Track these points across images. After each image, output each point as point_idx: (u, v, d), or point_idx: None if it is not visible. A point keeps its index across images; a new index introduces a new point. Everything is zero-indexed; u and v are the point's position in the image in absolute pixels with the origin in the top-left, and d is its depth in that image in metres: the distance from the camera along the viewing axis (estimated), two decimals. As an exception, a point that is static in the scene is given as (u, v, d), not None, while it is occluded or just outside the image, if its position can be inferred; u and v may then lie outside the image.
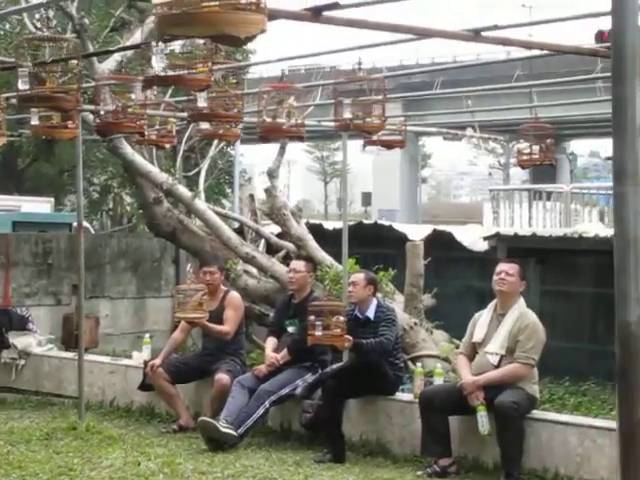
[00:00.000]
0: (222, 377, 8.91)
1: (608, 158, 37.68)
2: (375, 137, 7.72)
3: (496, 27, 6.51)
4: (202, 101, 6.56)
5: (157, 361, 9.37)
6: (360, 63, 7.15)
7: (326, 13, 4.44)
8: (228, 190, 27.65)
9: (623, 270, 2.58)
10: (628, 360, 2.64)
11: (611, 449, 6.74)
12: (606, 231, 11.79)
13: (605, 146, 55.74)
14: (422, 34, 6.78)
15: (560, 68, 16.43)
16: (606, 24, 7.90)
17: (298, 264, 9.23)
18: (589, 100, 9.96)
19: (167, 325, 14.20)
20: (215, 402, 8.91)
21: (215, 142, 14.42)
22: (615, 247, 2.65)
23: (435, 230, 13.67)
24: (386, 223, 15.80)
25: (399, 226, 14.88)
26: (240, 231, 13.23)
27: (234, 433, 8.37)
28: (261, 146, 29.44)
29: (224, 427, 8.35)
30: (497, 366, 7.64)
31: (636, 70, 2.71)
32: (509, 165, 42.22)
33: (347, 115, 6.65)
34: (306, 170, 71.92)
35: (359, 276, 8.68)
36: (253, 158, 43.51)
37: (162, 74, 5.60)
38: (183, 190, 12.75)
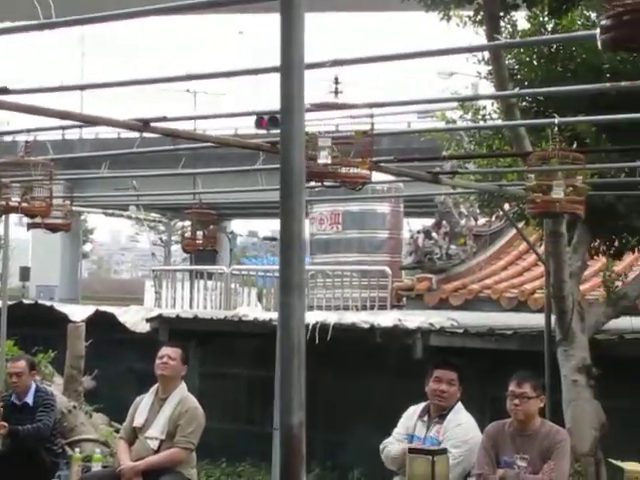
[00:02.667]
0: None
1: (266, 238, 38.83)
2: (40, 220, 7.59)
3: (165, 119, 6.68)
4: None
5: None
6: (28, 143, 7.04)
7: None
8: None
9: (287, 376, 2.73)
10: (291, 459, 2.78)
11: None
12: (264, 315, 12.18)
13: (263, 226, 57.51)
14: (92, 122, 6.82)
15: (225, 155, 16.89)
16: (268, 108, 8.30)
17: None
18: (251, 189, 10.33)
19: None
20: None
21: None
22: (280, 354, 2.79)
23: (97, 311, 13.55)
24: (47, 303, 15.46)
25: (60, 306, 14.63)
26: None
27: None
28: None
29: None
30: (157, 451, 7.65)
31: (303, 186, 2.89)
32: (171, 242, 42.61)
33: (15, 198, 6.53)
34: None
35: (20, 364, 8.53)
36: None
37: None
38: None
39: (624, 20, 2.38)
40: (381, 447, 7.22)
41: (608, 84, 6.41)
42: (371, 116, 5.24)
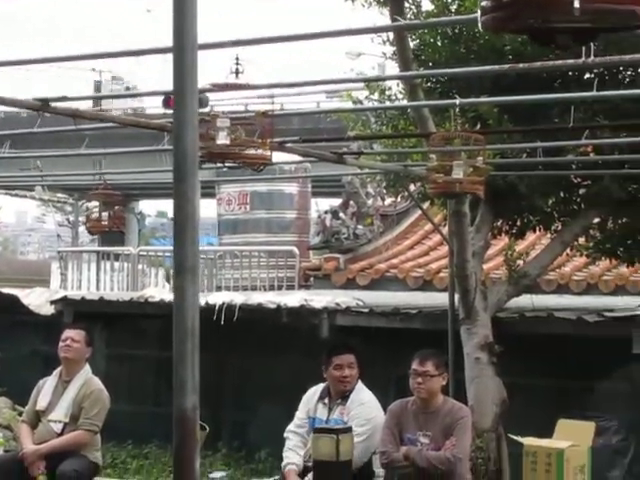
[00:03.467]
0: None
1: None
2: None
3: (65, 98, 6.58)
4: None
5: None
6: None
7: None
8: None
9: (181, 359, 2.72)
10: (184, 442, 2.78)
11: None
12: (171, 296, 12.09)
13: (172, 207, 56.90)
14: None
15: (134, 135, 16.69)
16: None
17: None
18: (158, 169, 10.25)
19: None
20: None
21: None
22: (174, 337, 2.79)
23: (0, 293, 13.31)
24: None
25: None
26: None
27: None
28: None
29: None
30: (60, 434, 7.57)
31: (196, 168, 2.88)
32: (78, 223, 42.03)
33: None
34: None
35: None
36: None
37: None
38: None
39: (504, 2, 2.42)
40: (285, 435, 7.29)
41: (507, 66, 6.49)
42: (272, 97, 5.23)
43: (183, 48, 2.77)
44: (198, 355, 2.79)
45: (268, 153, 5.25)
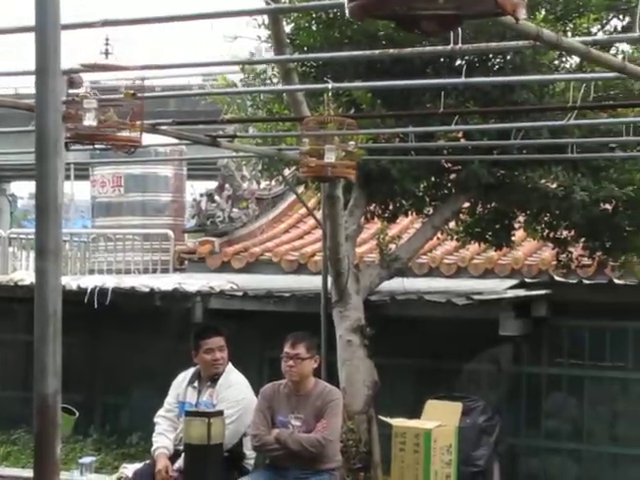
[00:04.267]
0: None
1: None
2: None
3: None
4: None
5: None
6: None
7: None
8: None
9: (43, 343, 2.68)
10: (45, 428, 2.73)
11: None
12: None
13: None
14: None
15: (6, 115, 16.26)
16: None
17: None
18: (30, 150, 10.01)
19: None
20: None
21: None
22: (35, 320, 2.74)
23: None
24: None
25: None
26: None
27: None
28: None
29: None
30: None
31: (58, 148, 2.83)
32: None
33: None
34: None
35: None
36: None
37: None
38: None
39: (372, -12, 2.43)
40: (154, 420, 7.26)
41: (378, 51, 6.55)
42: (142, 79, 5.17)
43: (44, 27, 2.71)
44: (60, 339, 2.74)
45: (138, 135, 5.19)
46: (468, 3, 2.57)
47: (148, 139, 7.28)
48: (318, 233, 12.89)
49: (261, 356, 10.56)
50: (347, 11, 2.47)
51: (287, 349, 6.89)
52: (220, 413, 6.75)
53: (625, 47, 8.84)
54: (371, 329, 8.97)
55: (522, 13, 2.55)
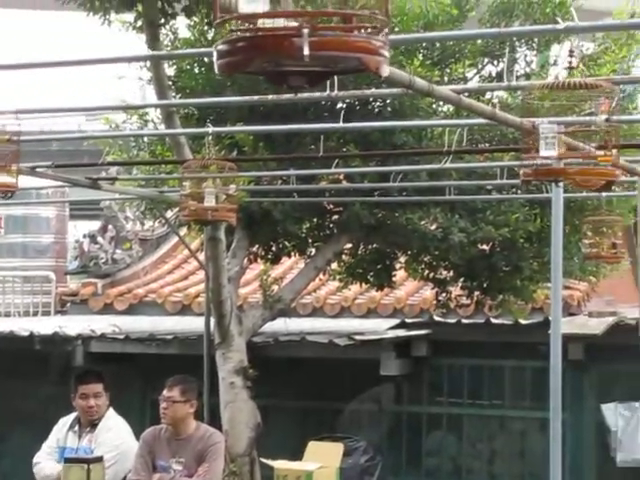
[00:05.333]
0: None
1: None
2: None
3: None
4: None
5: None
6: None
7: None
8: None
9: None
10: None
11: None
12: None
13: None
14: None
15: None
16: None
17: None
18: None
19: None
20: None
21: None
22: None
23: None
24: None
25: None
26: None
27: None
28: None
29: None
30: None
31: None
32: None
33: None
34: None
35: None
36: None
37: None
38: None
39: (237, 46, 2.49)
40: (34, 462, 7.10)
41: (256, 97, 6.62)
42: (18, 124, 5.13)
43: None
44: None
45: (13, 180, 5.14)
46: (333, 60, 2.65)
47: (28, 181, 7.20)
48: (202, 274, 12.82)
49: (143, 399, 10.47)
50: (216, 67, 2.53)
51: (164, 392, 6.86)
52: (100, 459, 6.65)
53: (501, 93, 9.14)
54: (254, 370, 8.98)
55: (385, 70, 2.63)
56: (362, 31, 2.67)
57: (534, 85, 4.98)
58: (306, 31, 2.51)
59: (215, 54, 2.53)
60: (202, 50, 8.31)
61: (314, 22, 2.57)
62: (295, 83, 2.82)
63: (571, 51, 4.75)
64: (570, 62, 4.67)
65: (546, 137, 4.88)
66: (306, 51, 2.51)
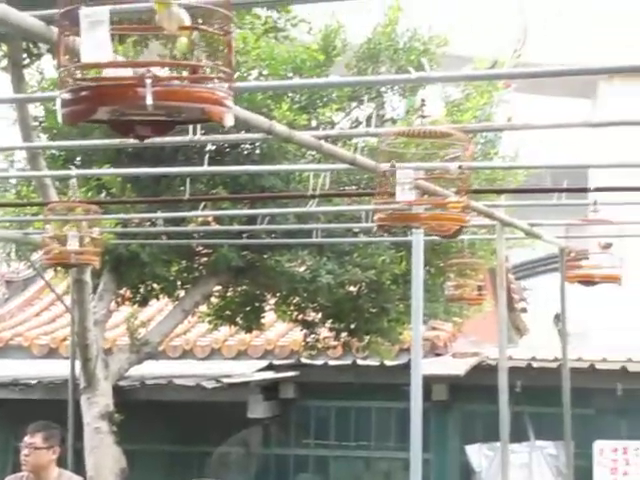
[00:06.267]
0: None
1: None
2: None
3: None
4: None
5: None
6: None
7: None
8: None
9: None
10: None
11: None
12: None
13: None
14: None
15: None
16: None
17: None
18: None
19: None
20: None
21: None
22: None
23: None
24: None
25: None
26: None
27: None
28: None
29: None
30: None
31: None
32: None
33: None
34: None
35: None
36: None
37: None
38: None
39: (80, 96, 2.50)
40: None
41: (118, 140, 6.56)
42: None
43: None
44: None
45: None
46: (178, 110, 2.69)
47: None
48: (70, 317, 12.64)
49: (7, 446, 10.22)
50: (59, 117, 2.52)
51: (25, 438, 6.72)
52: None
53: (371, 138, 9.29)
54: (120, 415, 8.86)
55: (229, 120, 2.68)
56: (210, 81, 2.72)
57: (390, 132, 5.09)
58: (149, 81, 2.54)
59: (58, 103, 2.53)
60: (54, 94, 8.25)
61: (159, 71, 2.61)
62: (141, 132, 2.84)
63: (423, 100, 4.88)
64: (423, 111, 4.79)
65: (403, 183, 4.99)
66: (149, 101, 2.54)
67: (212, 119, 2.68)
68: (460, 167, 4.94)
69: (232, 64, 2.72)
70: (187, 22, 2.67)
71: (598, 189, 6.73)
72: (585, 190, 6.67)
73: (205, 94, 2.63)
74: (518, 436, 9.30)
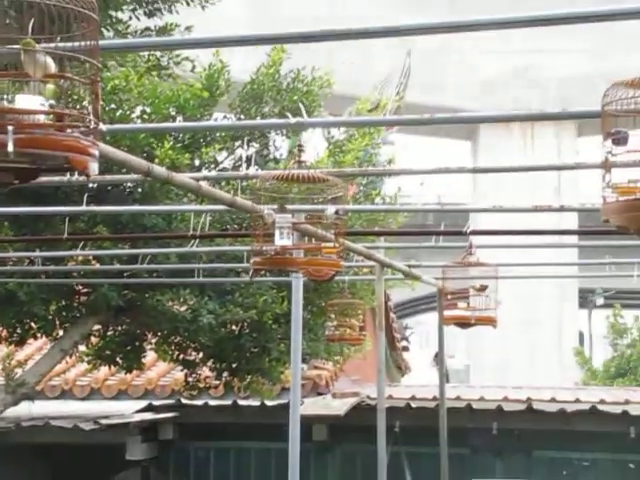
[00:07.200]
0: None
1: None
2: None
3: None
4: None
5: None
6: None
7: None
8: None
9: None
10: None
11: None
12: None
13: None
14: None
15: None
16: None
17: None
18: None
19: None
20: None
21: None
22: None
23: None
24: None
25: None
26: None
27: None
28: None
29: None
30: None
31: None
32: None
33: None
34: None
35: None
36: None
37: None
38: None
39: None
40: None
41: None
42: None
43: None
44: None
45: None
46: (42, 158, 2.67)
47: None
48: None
49: None
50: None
51: None
52: None
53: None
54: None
55: (93, 169, 2.67)
56: (76, 129, 2.70)
57: (268, 175, 5.13)
58: (11, 128, 2.52)
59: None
60: None
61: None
62: (3, 179, 2.81)
63: (300, 146, 4.93)
64: (300, 156, 4.84)
65: (281, 227, 5.02)
66: (10, 148, 2.52)
67: (76, 168, 2.67)
68: (337, 212, 4.99)
69: (98, 112, 2.71)
70: (52, 69, 2.67)
71: (473, 232, 6.88)
72: (460, 233, 6.80)
73: (70, 142, 2.62)
74: (396, 477, 9.36)
